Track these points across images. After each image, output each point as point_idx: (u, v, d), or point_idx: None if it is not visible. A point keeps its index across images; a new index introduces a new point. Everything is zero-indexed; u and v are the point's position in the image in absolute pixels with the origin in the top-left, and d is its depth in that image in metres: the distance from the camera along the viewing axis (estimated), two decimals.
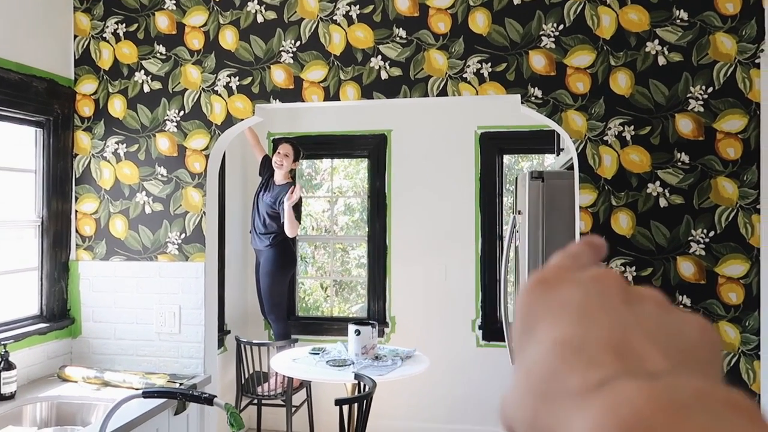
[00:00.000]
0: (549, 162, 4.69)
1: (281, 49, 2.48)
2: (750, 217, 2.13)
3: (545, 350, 0.26)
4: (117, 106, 2.65)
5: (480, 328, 4.37)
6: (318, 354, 3.64)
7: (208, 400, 1.44)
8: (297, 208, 3.96)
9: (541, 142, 4.14)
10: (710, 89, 2.17)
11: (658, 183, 2.19)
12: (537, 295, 0.29)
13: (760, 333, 2.09)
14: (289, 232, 3.93)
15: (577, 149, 2.25)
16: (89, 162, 2.68)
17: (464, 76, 2.34)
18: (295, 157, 4.06)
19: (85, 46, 2.68)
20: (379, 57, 2.40)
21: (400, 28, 2.39)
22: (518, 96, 2.30)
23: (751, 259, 2.12)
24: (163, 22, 2.60)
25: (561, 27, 2.27)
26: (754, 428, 0.21)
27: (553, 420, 0.23)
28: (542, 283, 0.30)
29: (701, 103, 2.17)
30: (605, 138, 2.23)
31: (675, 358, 0.24)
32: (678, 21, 2.19)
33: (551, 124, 2.31)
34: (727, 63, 2.16)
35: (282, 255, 4.05)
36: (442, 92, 2.36)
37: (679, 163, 2.18)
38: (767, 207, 2.05)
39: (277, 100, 2.49)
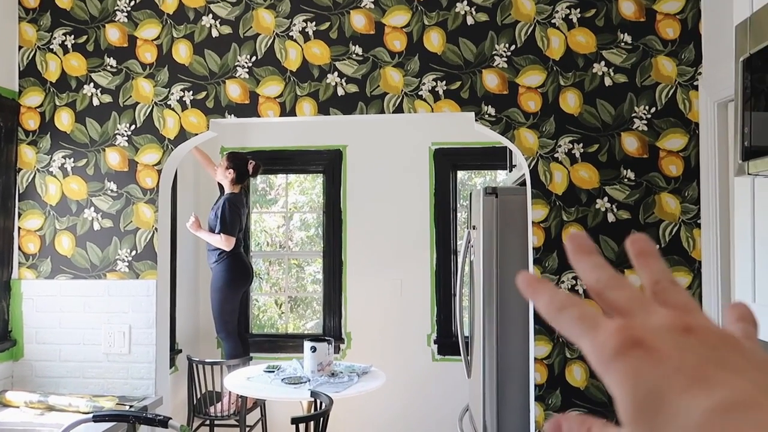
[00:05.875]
0: (501, 178, 4.79)
1: (236, 63, 2.46)
2: (692, 232, 2.23)
3: (699, 423, 0.23)
4: (64, 120, 2.57)
5: (435, 342, 4.39)
6: (273, 372, 3.59)
7: (163, 423, 1.40)
8: (223, 219, 3.87)
9: (494, 158, 4.23)
10: (653, 109, 2.27)
11: (606, 199, 2.27)
12: (641, 363, 0.25)
13: None
14: (221, 246, 3.86)
15: (529, 166, 2.31)
16: (34, 177, 2.58)
17: (420, 93, 2.37)
18: (229, 166, 3.99)
19: (30, 58, 2.59)
20: (336, 73, 2.42)
21: (357, 46, 2.41)
22: (472, 114, 2.35)
23: (693, 271, 2.22)
24: (113, 35, 2.54)
25: (513, 47, 2.34)
26: None
27: None
28: (638, 347, 0.26)
29: (645, 122, 2.27)
30: (556, 155, 2.30)
31: None
32: (622, 44, 2.29)
33: (504, 141, 2.37)
34: (668, 85, 2.27)
35: (229, 271, 3.94)
36: (398, 109, 2.38)
37: (626, 180, 2.27)
38: (707, 221, 2.15)
39: (232, 115, 2.47)
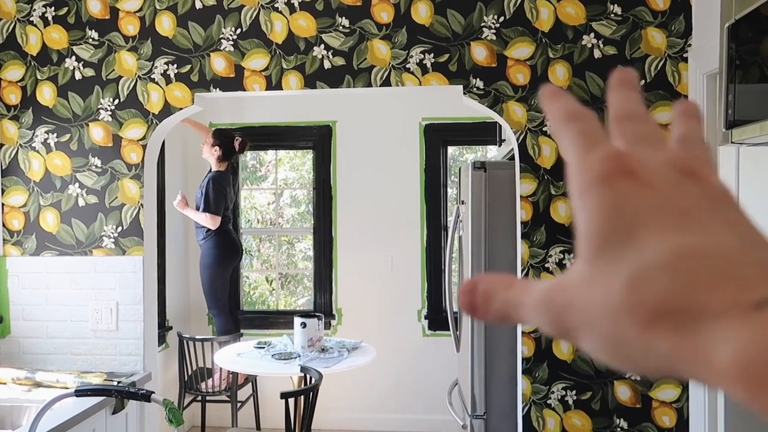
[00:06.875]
0: (492, 154, 4.78)
1: (221, 36, 2.42)
2: None
3: (664, 262, 0.22)
4: (46, 94, 2.52)
5: (426, 318, 4.42)
6: (263, 348, 3.60)
7: (146, 396, 1.40)
8: (207, 197, 3.84)
9: (485, 133, 4.20)
10: (643, 82, 2.25)
11: None
12: (627, 193, 0.23)
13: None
14: (206, 225, 3.85)
15: (517, 140, 2.30)
16: (16, 152, 2.54)
17: (407, 66, 2.34)
18: (215, 143, 3.93)
19: (10, 30, 2.53)
20: (322, 46, 2.38)
21: (343, 17, 2.37)
22: (460, 87, 2.32)
23: None
24: (95, 7, 2.49)
25: (501, 19, 2.30)
26: None
27: (677, 340, 0.21)
28: (629, 177, 0.24)
29: None
30: (544, 129, 2.28)
31: None
32: (612, 15, 2.26)
33: (493, 115, 2.35)
34: (657, 57, 2.24)
35: (218, 248, 3.93)
36: (386, 82, 2.35)
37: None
38: None
39: (218, 89, 2.43)
